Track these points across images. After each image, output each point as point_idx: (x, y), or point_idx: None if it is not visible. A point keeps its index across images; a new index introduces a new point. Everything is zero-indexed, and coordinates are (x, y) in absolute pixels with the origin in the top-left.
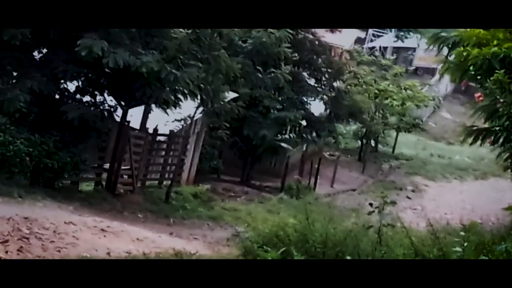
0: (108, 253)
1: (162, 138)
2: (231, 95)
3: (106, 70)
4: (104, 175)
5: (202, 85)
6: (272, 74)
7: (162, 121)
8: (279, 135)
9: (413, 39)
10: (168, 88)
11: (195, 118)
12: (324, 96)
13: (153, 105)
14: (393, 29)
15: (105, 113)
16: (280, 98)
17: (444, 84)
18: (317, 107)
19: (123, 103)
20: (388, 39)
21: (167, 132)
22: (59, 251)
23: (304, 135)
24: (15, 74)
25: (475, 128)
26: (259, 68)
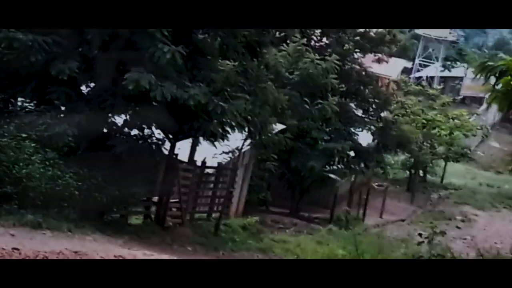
0: None
1: (210, 171)
2: (278, 126)
3: (154, 103)
4: (153, 208)
5: (249, 117)
6: (320, 105)
7: (210, 153)
8: (327, 166)
9: (460, 69)
10: (215, 121)
11: (243, 150)
12: (372, 127)
13: (200, 138)
14: (440, 59)
15: (153, 146)
16: (327, 129)
17: (492, 113)
18: (364, 138)
19: (171, 136)
20: (435, 68)
21: (215, 165)
22: None
23: (352, 165)
24: (63, 108)
25: None
26: (306, 99)
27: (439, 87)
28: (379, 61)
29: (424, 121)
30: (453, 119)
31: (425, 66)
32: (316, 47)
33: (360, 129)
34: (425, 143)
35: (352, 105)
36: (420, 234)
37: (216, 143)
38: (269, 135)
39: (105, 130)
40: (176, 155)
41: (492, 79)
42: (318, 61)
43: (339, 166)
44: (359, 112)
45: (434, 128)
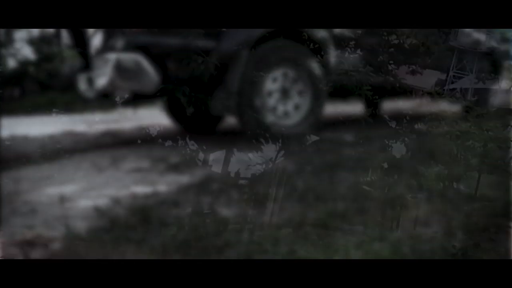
0: None
1: (244, 182)
2: (312, 137)
3: (187, 114)
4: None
5: (283, 128)
6: (353, 117)
7: (244, 165)
8: (360, 178)
9: (494, 80)
10: (249, 132)
11: (277, 161)
12: (405, 138)
13: (234, 149)
14: (474, 70)
15: (187, 157)
16: (361, 141)
17: None
18: (398, 149)
19: (204, 147)
20: (469, 80)
21: (249, 176)
22: None
23: (386, 177)
24: (97, 119)
25: None
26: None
27: (473, 98)
28: (413, 73)
29: (458, 132)
30: (487, 131)
31: (459, 77)
32: (350, 58)
33: (394, 141)
34: (458, 155)
35: (386, 116)
36: (454, 246)
37: (250, 154)
38: (303, 146)
39: (139, 142)
40: (210, 166)
41: None
42: (352, 73)
43: (372, 177)
44: (393, 124)
45: (468, 140)
